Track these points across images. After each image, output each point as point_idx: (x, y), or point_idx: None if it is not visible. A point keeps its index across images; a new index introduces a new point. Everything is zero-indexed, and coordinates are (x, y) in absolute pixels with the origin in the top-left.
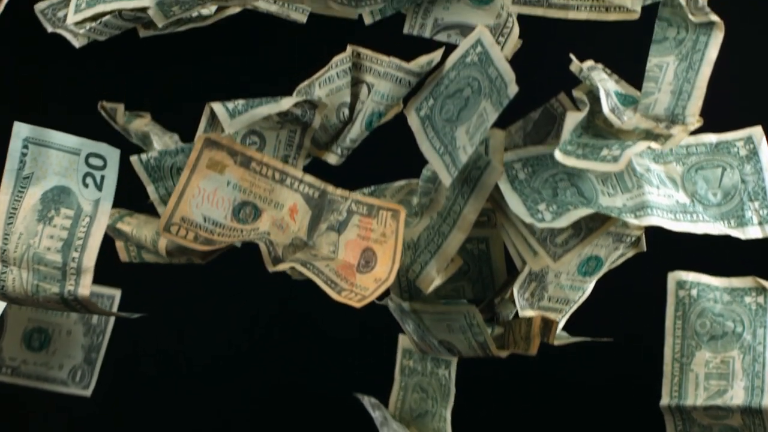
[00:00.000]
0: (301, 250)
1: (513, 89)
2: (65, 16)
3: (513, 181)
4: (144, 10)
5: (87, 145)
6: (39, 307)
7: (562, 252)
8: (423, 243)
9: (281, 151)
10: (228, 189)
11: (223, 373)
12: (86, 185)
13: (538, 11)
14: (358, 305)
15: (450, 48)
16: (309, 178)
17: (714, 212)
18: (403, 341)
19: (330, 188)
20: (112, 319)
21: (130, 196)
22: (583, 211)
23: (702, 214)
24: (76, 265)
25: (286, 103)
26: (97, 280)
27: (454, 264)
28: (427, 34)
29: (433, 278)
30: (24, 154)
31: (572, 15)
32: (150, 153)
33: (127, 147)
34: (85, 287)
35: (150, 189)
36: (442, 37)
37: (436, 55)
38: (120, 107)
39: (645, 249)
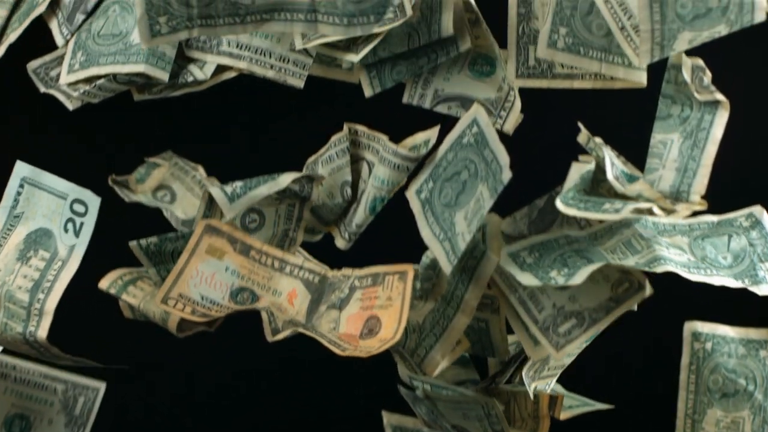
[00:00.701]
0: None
1: (507, 175)
2: (58, 75)
3: (521, 266)
4: (138, 74)
5: (74, 191)
6: (8, 347)
7: (565, 342)
8: (428, 326)
9: (281, 225)
10: (226, 274)
11: None
12: (66, 230)
13: (543, 83)
14: (365, 356)
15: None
16: (309, 265)
17: (726, 273)
18: (389, 418)
19: (330, 273)
20: (95, 411)
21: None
22: (596, 266)
23: (716, 271)
24: (39, 307)
25: (283, 181)
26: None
27: (461, 347)
28: (426, 104)
29: (438, 362)
30: (19, 193)
31: (577, 84)
32: (150, 239)
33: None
34: (44, 329)
35: (151, 272)
36: (442, 108)
37: (432, 134)
38: (131, 178)
39: (648, 294)
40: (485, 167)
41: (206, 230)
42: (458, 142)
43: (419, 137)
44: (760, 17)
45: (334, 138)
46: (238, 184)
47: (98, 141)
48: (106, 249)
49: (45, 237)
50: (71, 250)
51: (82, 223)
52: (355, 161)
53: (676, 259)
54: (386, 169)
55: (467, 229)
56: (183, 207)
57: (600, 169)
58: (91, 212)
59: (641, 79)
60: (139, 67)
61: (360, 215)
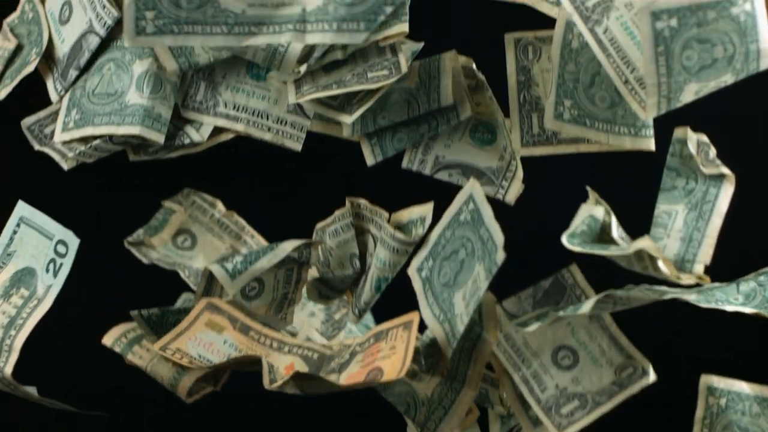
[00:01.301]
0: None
1: (501, 256)
2: (52, 132)
3: (524, 324)
4: (134, 136)
5: (60, 232)
6: None
7: (567, 423)
8: (436, 399)
9: (280, 290)
10: (224, 346)
11: None
12: (47, 270)
13: (549, 149)
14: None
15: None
16: (309, 344)
17: (739, 306)
18: None
19: (329, 351)
20: None
21: None
22: (601, 295)
23: (728, 305)
24: (9, 343)
25: (283, 251)
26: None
27: (472, 416)
28: (427, 171)
29: None
30: (15, 232)
31: (583, 148)
32: (152, 310)
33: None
34: (10, 366)
35: (152, 338)
36: (443, 175)
37: (427, 211)
38: (148, 239)
39: (652, 380)
40: (482, 246)
41: (207, 307)
42: (455, 219)
43: (414, 212)
44: (766, 64)
45: (337, 213)
46: (238, 259)
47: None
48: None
49: (29, 276)
50: (47, 290)
51: (61, 264)
52: (361, 233)
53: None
54: (386, 251)
55: (465, 311)
56: (204, 251)
57: (605, 228)
58: (70, 253)
59: (649, 146)
60: (135, 129)
61: (367, 293)
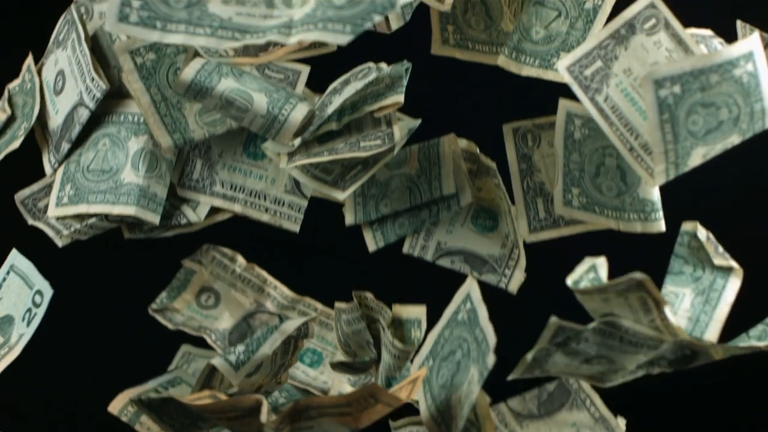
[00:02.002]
0: None
1: (491, 360)
2: (46, 206)
3: None
4: (129, 216)
5: (39, 281)
6: None
7: None
8: None
9: (278, 361)
10: None
11: None
12: (23, 319)
13: (557, 233)
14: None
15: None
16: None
17: None
18: None
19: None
20: None
21: None
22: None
23: None
24: None
25: (283, 334)
26: None
27: None
28: (429, 257)
29: None
30: (4, 279)
31: (591, 227)
32: (152, 396)
33: None
34: None
35: (153, 416)
36: (444, 262)
37: (421, 313)
38: (174, 304)
39: None
40: (476, 347)
41: (206, 412)
42: (454, 318)
43: (411, 312)
44: None
45: (345, 307)
46: (240, 349)
47: None
48: None
49: (7, 324)
50: (19, 338)
51: (35, 314)
52: (372, 322)
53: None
54: (389, 356)
55: (460, 414)
56: (228, 308)
57: None
58: (44, 304)
59: (660, 228)
60: (130, 210)
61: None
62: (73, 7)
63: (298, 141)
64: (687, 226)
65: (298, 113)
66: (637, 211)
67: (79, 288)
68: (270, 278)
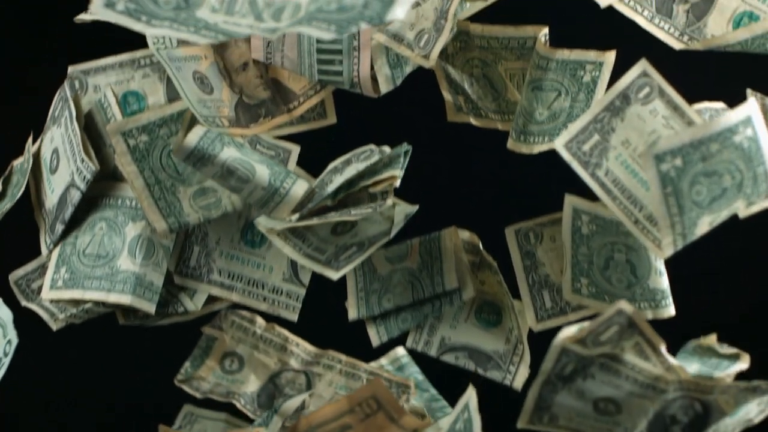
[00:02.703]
0: None
1: None
2: (40, 287)
3: None
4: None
5: (11, 331)
6: None
7: None
8: None
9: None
10: None
11: None
12: None
13: (561, 320)
14: None
15: None
16: None
17: None
18: None
19: None
20: None
21: None
22: None
23: None
24: None
25: (284, 415)
26: None
27: None
28: (433, 352)
29: None
30: None
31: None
32: None
33: None
34: None
35: None
36: (449, 358)
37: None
38: (199, 373)
39: None
40: None
41: None
42: (452, 428)
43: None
44: None
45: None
46: None
47: None
48: None
49: None
50: None
51: (3, 364)
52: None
53: None
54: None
55: None
56: (254, 370)
57: None
58: (11, 354)
59: (669, 313)
60: (126, 299)
61: None
62: (66, 83)
63: (295, 217)
64: (703, 340)
65: (299, 188)
66: (647, 300)
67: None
68: (291, 336)
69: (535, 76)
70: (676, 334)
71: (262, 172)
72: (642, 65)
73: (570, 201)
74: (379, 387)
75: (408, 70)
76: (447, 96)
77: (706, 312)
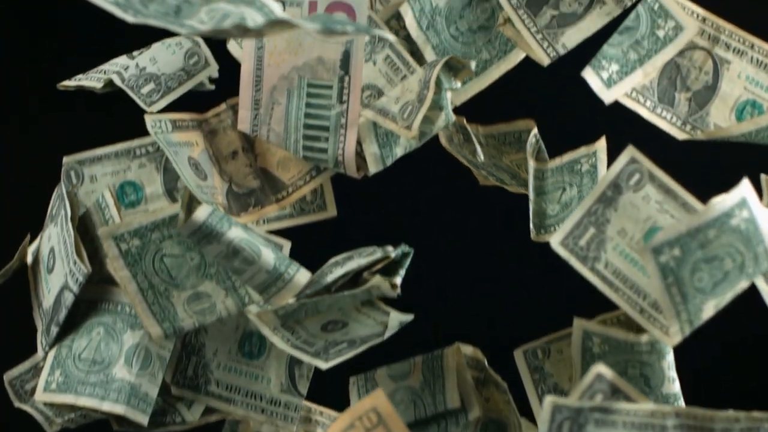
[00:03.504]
0: None
1: None
2: (34, 388)
3: None
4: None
5: None
6: None
7: None
8: None
9: None
10: None
11: None
12: None
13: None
14: None
15: None
16: None
17: None
18: None
19: None
20: None
21: None
22: None
23: None
24: None
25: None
26: None
27: None
28: None
29: None
30: None
31: None
32: None
33: None
34: None
35: None
36: None
37: None
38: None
39: None
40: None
41: None
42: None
43: None
44: None
45: None
46: None
47: None
48: None
49: None
50: None
51: None
52: None
53: None
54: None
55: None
56: None
57: None
58: None
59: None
60: (119, 408)
61: None
62: (63, 180)
63: (293, 300)
64: None
65: (301, 277)
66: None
67: None
68: (314, 405)
69: (536, 185)
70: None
71: (268, 255)
72: (629, 152)
73: (579, 324)
74: (380, 400)
75: (399, 151)
76: (471, 167)
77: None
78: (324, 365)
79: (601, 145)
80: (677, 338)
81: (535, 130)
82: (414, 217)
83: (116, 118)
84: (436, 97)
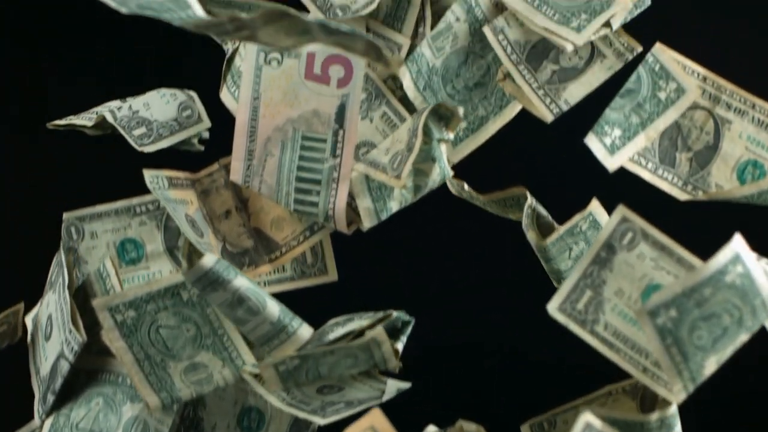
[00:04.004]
0: None
1: None
2: None
3: None
4: None
5: None
6: None
7: None
8: None
9: None
10: None
11: None
12: None
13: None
14: None
15: None
16: None
17: None
18: None
19: None
20: None
21: None
22: None
23: None
24: None
25: None
26: None
27: None
28: None
29: None
30: None
31: None
32: None
33: None
34: None
35: None
36: None
37: None
38: None
39: None
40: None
41: None
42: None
43: None
44: None
45: None
46: None
47: None
48: None
49: None
50: None
51: None
52: None
53: None
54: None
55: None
56: None
57: None
58: None
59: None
60: None
61: None
62: (63, 235)
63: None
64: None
65: (305, 331)
66: None
67: None
68: None
69: (542, 255)
70: None
71: (273, 307)
72: (620, 212)
73: (585, 418)
74: (377, 418)
75: (393, 205)
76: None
77: None
78: (321, 421)
79: (594, 206)
80: (681, 396)
81: (529, 200)
82: (414, 281)
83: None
84: (427, 147)
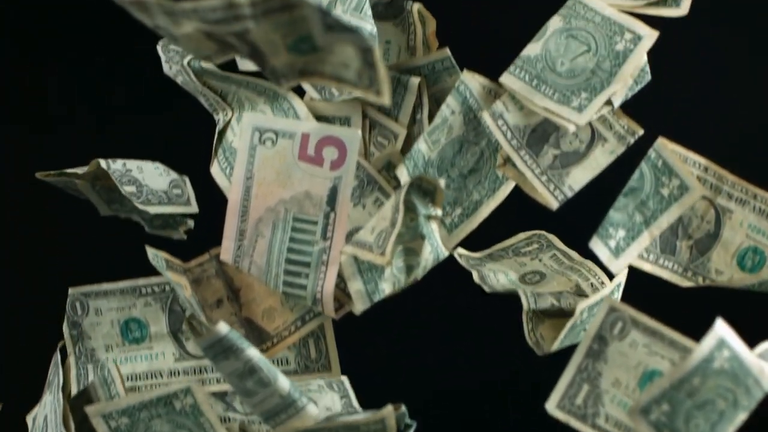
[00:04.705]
0: None
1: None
2: None
3: None
4: None
5: None
6: None
7: None
8: None
9: None
10: None
11: None
12: None
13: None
14: None
15: None
16: None
17: None
18: None
19: None
20: None
21: None
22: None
23: None
24: None
25: None
26: None
27: None
28: None
29: None
30: None
31: None
32: None
33: None
34: None
35: None
36: None
37: None
38: None
39: None
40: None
41: None
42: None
43: None
44: (766, 384)
45: None
46: None
47: None
48: None
49: None
50: None
51: None
52: None
53: None
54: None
55: None
56: None
57: None
58: None
59: None
60: None
61: None
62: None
63: None
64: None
65: (313, 409)
66: None
67: None
68: None
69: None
70: None
71: (284, 380)
72: (607, 303)
73: None
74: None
75: (386, 286)
76: None
77: None
78: None
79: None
80: None
81: (525, 306)
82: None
83: (116, 125)
84: (414, 223)
